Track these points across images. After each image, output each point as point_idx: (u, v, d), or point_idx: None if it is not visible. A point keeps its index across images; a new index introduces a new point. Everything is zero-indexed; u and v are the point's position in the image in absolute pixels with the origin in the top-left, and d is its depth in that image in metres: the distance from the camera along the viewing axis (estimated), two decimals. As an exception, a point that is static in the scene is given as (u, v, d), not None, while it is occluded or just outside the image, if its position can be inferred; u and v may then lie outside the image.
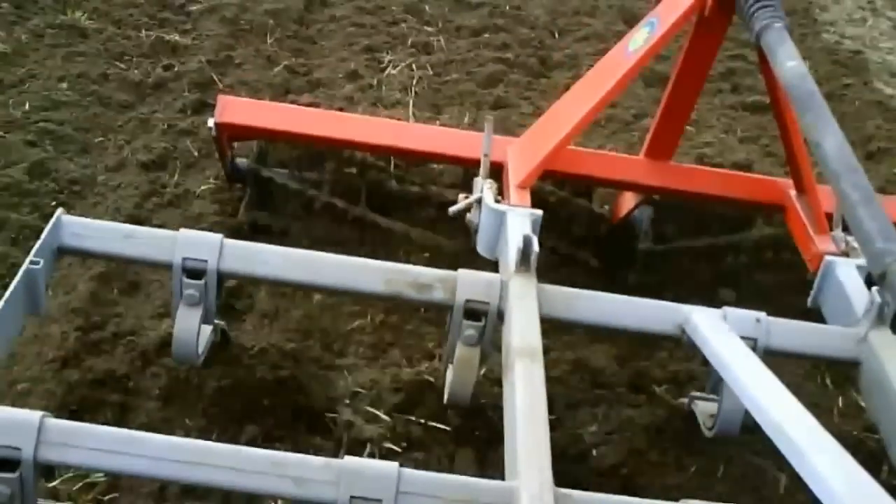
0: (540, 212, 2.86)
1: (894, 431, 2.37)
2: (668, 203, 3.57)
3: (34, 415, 1.98)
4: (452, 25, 5.38)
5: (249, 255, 2.64)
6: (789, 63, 2.73)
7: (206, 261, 2.58)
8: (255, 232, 3.50)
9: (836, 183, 2.50)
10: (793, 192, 3.26)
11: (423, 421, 2.84)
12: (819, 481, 1.81)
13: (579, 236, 3.58)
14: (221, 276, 2.61)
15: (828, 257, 2.89)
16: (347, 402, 2.89)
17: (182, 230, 2.65)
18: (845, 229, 2.97)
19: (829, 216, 3.09)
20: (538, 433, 2.09)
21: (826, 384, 3.22)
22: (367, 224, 3.53)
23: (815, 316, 2.84)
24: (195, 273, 2.59)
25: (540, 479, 1.97)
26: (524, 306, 2.49)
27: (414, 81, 4.70)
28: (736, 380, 2.28)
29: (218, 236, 2.61)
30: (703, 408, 2.79)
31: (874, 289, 2.49)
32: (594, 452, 2.85)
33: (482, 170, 3.09)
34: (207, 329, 2.72)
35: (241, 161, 3.62)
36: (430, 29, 5.30)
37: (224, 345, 2.94)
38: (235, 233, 3.32)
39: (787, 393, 2.12)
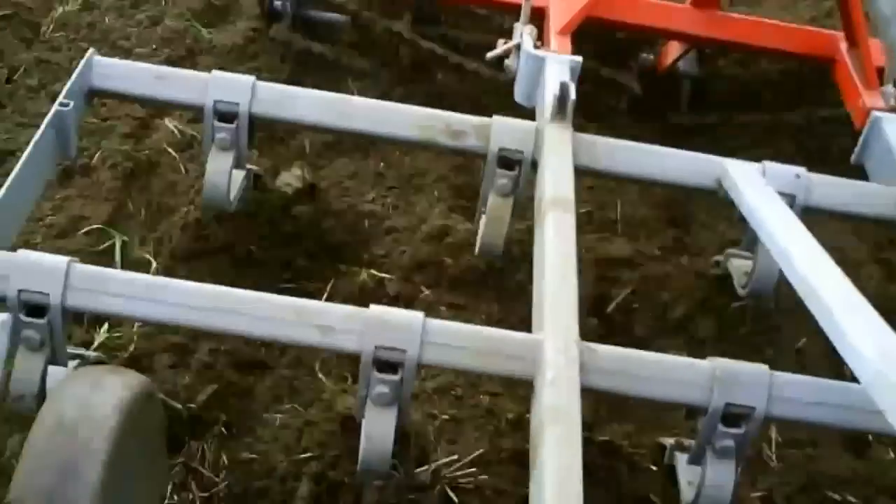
0: (579, 59, 2.77)
1: None
2: None
3: (61, 260, 1.98)
4: None
5: (282, 99, 2.59)
6: None
7: (237, 104, 2.54)
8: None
9: (885, 30, 2.41)
10: (843, 46, 3.15)
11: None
12: (848, 344, 1.74)
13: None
14: (253, 120, 2.57)
15: (875, 113, 2.80)
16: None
17: (214, 72, 2.61)
18: (896, 85, 2.89)
19: (881, 71, 2.99)
20: (567, 286, 2.06)
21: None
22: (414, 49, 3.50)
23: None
24: (227, 116, 2.55)
25: (566, 333, 1.95)
26: (558, 156, 2.44)
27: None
28: (770, 236, 2.23)
29: (250, 78, 2.57)
30: (738, 265, 2.75)
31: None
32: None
33: (522, 14, 2.98)
34: (240, 174, 2.70)
35: (279, 2, 3.55)
36: None
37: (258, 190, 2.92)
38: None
39: (823, 252, 2.07)
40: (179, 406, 2.35)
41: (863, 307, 1.84)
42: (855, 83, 3.00)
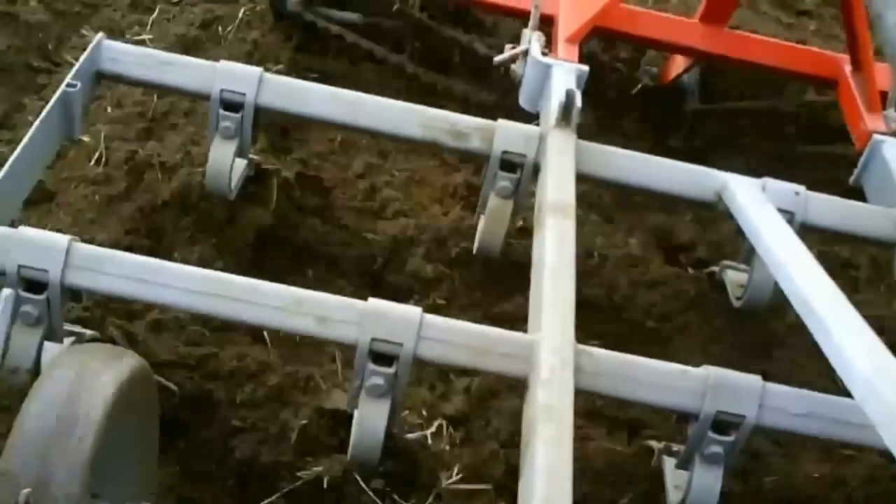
0: (586, 67, 2.78)
1: None
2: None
3: (62, 238, 2.00)
4: None
5: (288, 91, 2.61)
6: None
7: (244, 94, 2.55)
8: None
9: (893, 57, 2.42)
10: (848, 68, 3.17)
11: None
12: (843, 360, 1.77)
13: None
14: (258, 111, 2.58)
15: (876, 136, 2.82)
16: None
17: (222, 61, 2.62)
18: (899, 109, 2.90)
19: (884, 95, 3.01)
20: (564, 289, 2.07)
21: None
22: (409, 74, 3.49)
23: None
24: (233, 105, 2.57)
25: (562, 334, 1.96)
26: (561, 161, 2.45)
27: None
28: (768, 251, 2.25)
29: (258, 69, 2.59)
30: (734, 277, 2.77)
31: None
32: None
33: (531, 21, 2.99)
34: (242, 163, 2.71)
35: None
36: None
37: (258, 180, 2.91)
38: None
39: (819, 268, 2.08)
40: (174, 387, 2.34)
41: (858, 323, 1.85)
42: (857, 105, 3.01)
